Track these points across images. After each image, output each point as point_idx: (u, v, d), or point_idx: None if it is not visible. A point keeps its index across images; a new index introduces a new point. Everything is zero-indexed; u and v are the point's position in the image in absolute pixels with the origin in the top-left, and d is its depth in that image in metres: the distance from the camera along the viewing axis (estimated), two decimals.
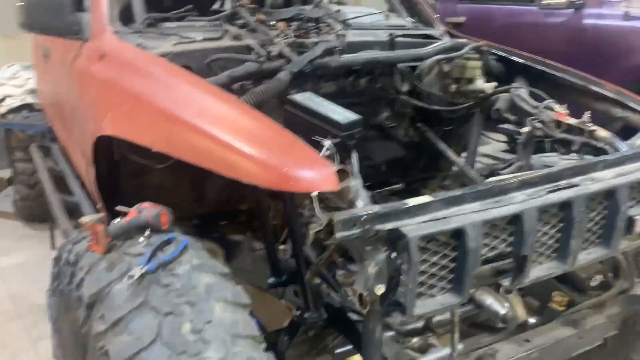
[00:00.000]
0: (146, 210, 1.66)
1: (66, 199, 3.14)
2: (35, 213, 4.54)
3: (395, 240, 1.34)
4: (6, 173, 4.92)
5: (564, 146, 2.14)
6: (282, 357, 1.98)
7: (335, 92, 2.42)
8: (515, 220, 1.46)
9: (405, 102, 2.55)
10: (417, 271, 1.32)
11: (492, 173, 2.60)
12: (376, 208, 1.33)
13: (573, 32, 3.81)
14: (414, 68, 2.55)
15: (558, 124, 2.13)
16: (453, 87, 2.52)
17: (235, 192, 2.28)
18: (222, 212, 2.68)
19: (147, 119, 1.62)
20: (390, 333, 1.84)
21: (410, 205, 1.36)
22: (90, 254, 1.57)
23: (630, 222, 1.68)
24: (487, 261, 1.53)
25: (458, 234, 1.38)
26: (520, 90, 2.40)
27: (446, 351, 1.69)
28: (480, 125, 2.58)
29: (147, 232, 1.63)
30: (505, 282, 1.57)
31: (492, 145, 3.42)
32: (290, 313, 2.11)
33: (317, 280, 1.71)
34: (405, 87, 2.51)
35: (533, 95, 2.39)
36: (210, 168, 1.42)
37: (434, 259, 1.38)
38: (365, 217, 1.30)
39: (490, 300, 2.04)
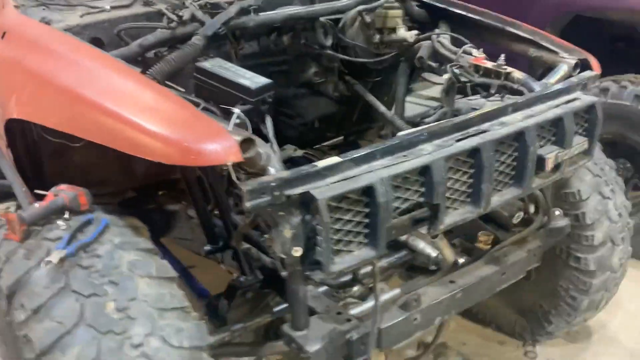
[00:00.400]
0: (63, 192, 1.63)
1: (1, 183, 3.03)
2: None
3: (307, 202, 1.36)
4: None
5: (484, 89, 2.18)
6: (224, 321, 2.02)
7: (258, 51, 2.38)
8: (424, 171, 1.50)
9: (330, 56, 2.53)
10: (330, 231, 1.35)
11: (422, 121, 2.64)
12: (285, 174, 1.35)
13: None
14: (337, 21, 2.52)
15: (476, 68, 2.15)
16: (377, 37, 2.50)
17: (164, 164, 2.26)
18: (158, 182, 2.65)
19: (50, 100, 1.57)
20: (324, 288, 1.90)
21: (319, 167, 1.37)
22: (8, 242, 1.54)
23: (541, 161, 1.75)
24: (406, 211, 1.58)
25: (368, 191, 1.41)
26: (442, 37, 2.41)
27: (370, 302, 1.74)
28: (406, 74, 2.60)
29: (67, 215, 1.61)
30: (423, 230, 1.62)
31: (437, 88, 3.46)
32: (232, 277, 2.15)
33: (246, 245, 1.73)
34: (329, 41, 2.48)
35: (456, 40, 2.40)
36: (115, 147, 1.40)
37: (348, 216, 1.41)
38: (274, 184, 1.31)
39: (422, 245, 2.12)
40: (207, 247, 2.18)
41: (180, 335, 1.45)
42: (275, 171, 1.39)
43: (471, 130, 1.63)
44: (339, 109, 2.79)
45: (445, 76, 2.24)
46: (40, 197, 1.69)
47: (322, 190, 1.34)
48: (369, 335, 1.61)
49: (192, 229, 2.46)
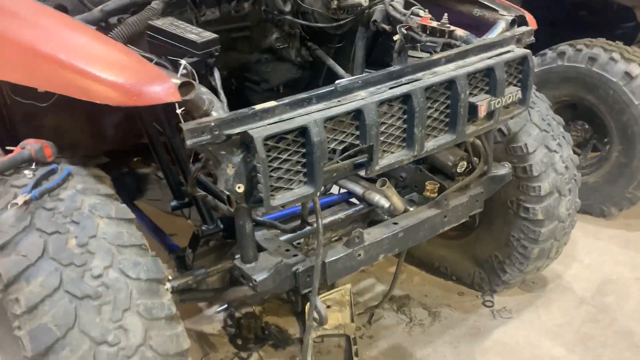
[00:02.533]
0: (29, 145, 1.76)
1: None
2: None
3: (246, 142, 1.50)
4: None
5: (432, 49, 2.30)
6: (191, 269, 2.16)
7: (219, 17, 2.50)
8: (358, 115, 1.63)
9: (291, 22, 2.65)
10: (267, 167, 1.49)
11: None
12: (224, 115, 1.48)
13: None
14: None
15: (424, 28, 2.28)
16: (334, 3, 2.62)
17: (132, 127, 2.39)
18: (133, 149, 2.78)
19: (12, 56, 1.68)
20: (286, 236, 2.04)
21: (256, 109, 1.51)
22: None
23: (474, 108, 1.88)
24: (348, 157, 1.72)
25: (304, 132, 1.54)
26: (395, 1, 2.52)
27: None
28: (363, 39, 2.71)
29: (33, 165, 1.74)
30: (362, 173, 1.76)
31: None
32: None
33: (200, 192, 1.86)
34: (288, 7, 2.60)
35: (409, 4, 2.52)
36: (69, 94, 1.52)
37: (285, 155, 1.55)
38: (213, 123, 1.45)
39: (377, 198, 2.27)
40: (173, 203, 2.32)
41: (138, 268, 1.60)
42: (217, 115, 1.53)
43: (404, 79, 1.76)
44: (303, 74, 2.91)
45: (396, 37, 2.37)
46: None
47: (259, 129, 1.48)
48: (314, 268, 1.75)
49: (161, 190, 2.60)
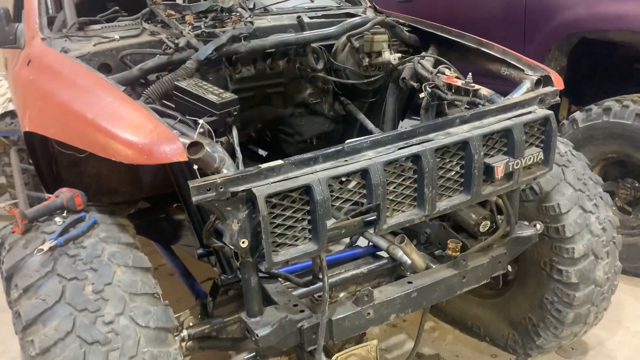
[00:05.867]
0: (62, 194, 1.90)
1: (38, 195, 3.40)
2: None
3: (251, 199, 1.55)
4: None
5: (457, 107, 2.32)
6: (211, 316, 2.21)
7: (254, 75, 2.62)
8: (365, 174, 1.66)
9: (323, 78, 2.74)
10: (268, 224, 1.53)
11: None
12: (230, 173, 1.55)
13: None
14: (330, 46, 2.74)
15: (449, 86, 2.31)
16: (365, 61, 2.70)
17: (167, 175, 2.51)
18: (172, 195, 2.91)
19: (51, 113, 1.85)
20: (301, 290, 2.06)
21: (262, 168, 1.57)
22: (12, 234, 1.81)
23: (490, 169, 1.87)
24: (359, 214, 1.74)
25: (307, 190, 1.58)
26: (426, 59, 2.57)
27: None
28: (394, 94, 2.76)
29: (64, 213, 1.87)
30: (371, 231, 1.77)
31: None
32: None
33: (216, 243, 1.92)
34: (320, 65, 2.70)
35: (439, 61, 2.56)
36: (91, 150, 1.65)
37: (289, 213, 1.59)
38: (219, 181, 1.52)
39: (400, 254, 2.26)
40: (199, 251, 2.40)
41: (147, 317, 1.66)
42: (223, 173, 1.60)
43: (415, 139, 1.77)
44: (336, 127, 2.99)
45: (422, 95, 2.40)
46: None
47: (262, 187, 1.53)
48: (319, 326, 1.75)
49: (192, 236, 2.69)
